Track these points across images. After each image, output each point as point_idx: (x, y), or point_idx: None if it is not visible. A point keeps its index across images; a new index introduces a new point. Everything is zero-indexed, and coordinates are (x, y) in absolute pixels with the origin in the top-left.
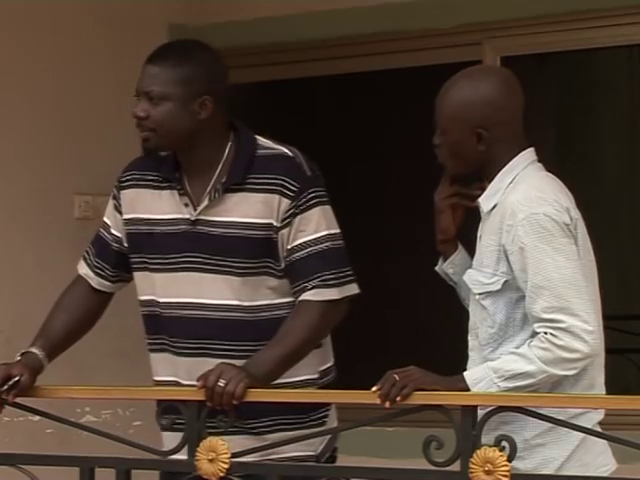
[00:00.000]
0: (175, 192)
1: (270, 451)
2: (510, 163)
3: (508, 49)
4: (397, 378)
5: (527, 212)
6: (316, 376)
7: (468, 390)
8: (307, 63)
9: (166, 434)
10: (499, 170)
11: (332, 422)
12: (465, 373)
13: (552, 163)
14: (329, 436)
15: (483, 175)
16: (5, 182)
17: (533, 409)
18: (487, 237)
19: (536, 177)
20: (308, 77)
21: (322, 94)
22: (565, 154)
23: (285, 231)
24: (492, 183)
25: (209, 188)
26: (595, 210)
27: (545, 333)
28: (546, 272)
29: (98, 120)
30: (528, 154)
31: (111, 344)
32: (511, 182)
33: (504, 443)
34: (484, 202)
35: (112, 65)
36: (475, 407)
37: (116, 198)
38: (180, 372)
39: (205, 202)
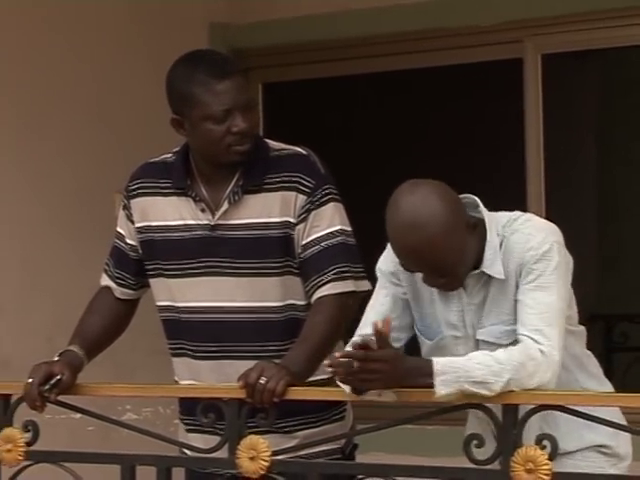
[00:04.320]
0: (189, 199)
1: (299, 448)
2: (487, 225)
3: (549, 46)
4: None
5: (539, 250)
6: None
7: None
8: (347, 61)
9: (192, 435)
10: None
11: (349, 416)
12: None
13: (592, 162)
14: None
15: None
16: (47, 181)
17: (574, 407)
18: (502, 297)
19: (525, 222)
20: (348, 75)
21: (362, 92)
22: (605, 153)
23: (300, 227)
24: (486, 252)
25: (227, 192)
26: (638, 209)
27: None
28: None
29: (138, 118)
30: (479, 207)
31: (151, 342)
32: (501, 242)
33: (545, 442)
34: (493, 270)
35: (153, 64)
36: (516, 405)
37: (127, 208)
38: (201, 375)
39: (225, 206)
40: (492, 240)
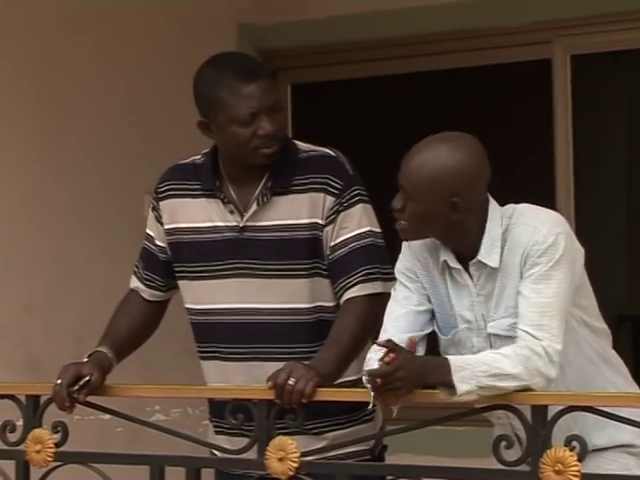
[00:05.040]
0: (217, 200)
1: (328, 449)
2: (490, 216)
3: (578, 47)
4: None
5: (544, 244)
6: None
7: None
8: (376, 62)
9: (220, 437)
10: (463, 237)
11: (379, 417)
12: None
13: (622, 163)
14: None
15: (443, 239)
16: (76, 182)
17: (603, 408)
18: (508, 289)
19: (529, 214)
20: (377, 76)
21: (391, 93)
22: (636, 154)
23: (329, 228)
24: (483, 241)
25: (256, 194)
26: None
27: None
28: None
29: (167, 119)
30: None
31: (179, 344)
32: (505, 232)
33: (574, 443)
34: (489, 258)
35: (181, 65)
36: (545, 406)
37: (156, 209)
38: (230, 377)
39: (253, 207)
40: (491, 230)
